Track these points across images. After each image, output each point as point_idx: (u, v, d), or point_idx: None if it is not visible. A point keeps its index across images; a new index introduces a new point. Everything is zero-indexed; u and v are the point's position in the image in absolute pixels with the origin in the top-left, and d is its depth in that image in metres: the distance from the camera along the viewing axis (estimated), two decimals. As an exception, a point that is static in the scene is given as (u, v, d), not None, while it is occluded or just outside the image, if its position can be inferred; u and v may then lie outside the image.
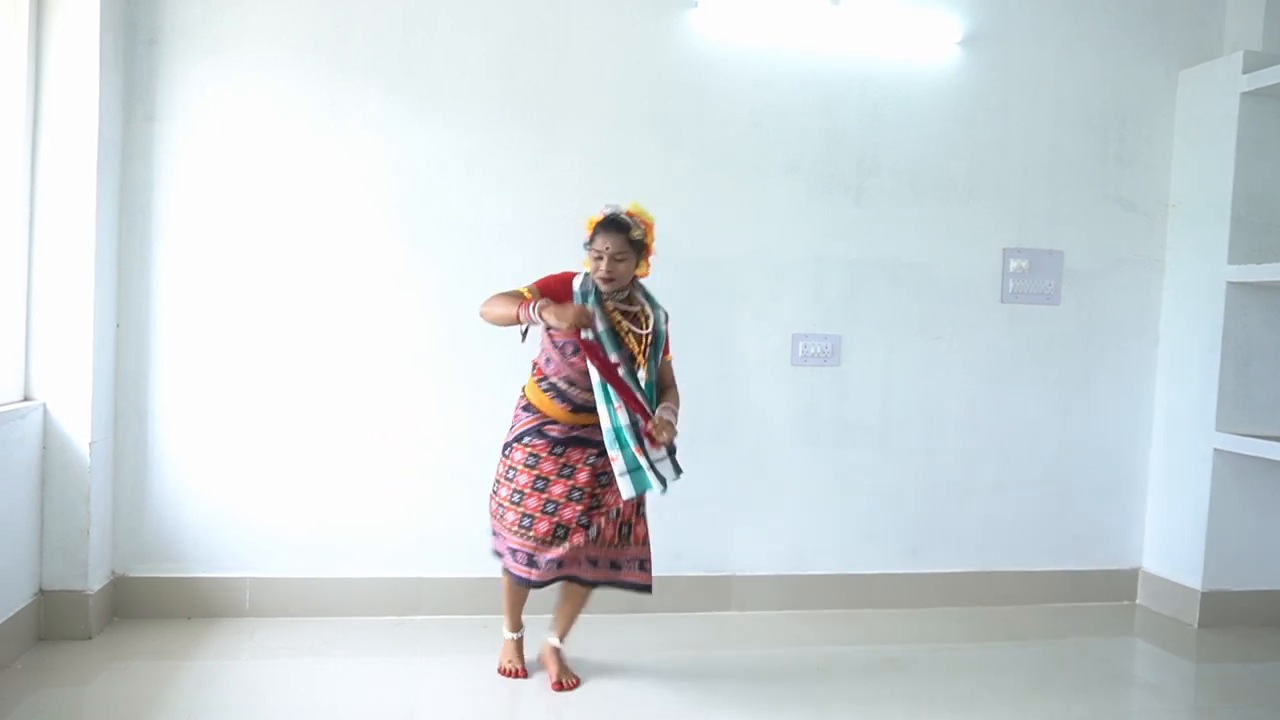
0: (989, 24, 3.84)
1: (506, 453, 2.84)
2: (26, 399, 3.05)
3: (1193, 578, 3.85)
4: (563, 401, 2.77)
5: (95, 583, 3.17)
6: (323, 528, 3.45)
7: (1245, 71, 3.70)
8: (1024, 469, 4.00)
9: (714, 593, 3.71)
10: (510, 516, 2.77)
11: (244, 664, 3.02)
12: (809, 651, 3.37)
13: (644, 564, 2.85)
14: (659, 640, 3.38)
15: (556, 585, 2.87)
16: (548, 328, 2.67)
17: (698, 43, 3.61)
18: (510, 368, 3.50)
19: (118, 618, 3.32)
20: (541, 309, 2.57)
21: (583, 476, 2.76)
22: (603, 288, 2.72)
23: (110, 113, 3.15)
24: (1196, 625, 3.80)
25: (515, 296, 2.67)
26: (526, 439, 2.80)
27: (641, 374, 2.71)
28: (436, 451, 3.50)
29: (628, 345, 2.72)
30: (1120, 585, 4.11)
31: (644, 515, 2.88)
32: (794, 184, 3.71)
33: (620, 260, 2.69)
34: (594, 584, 2.84)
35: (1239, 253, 3.74)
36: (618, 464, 2.64)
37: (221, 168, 3.34)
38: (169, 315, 3.34)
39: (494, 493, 2.85)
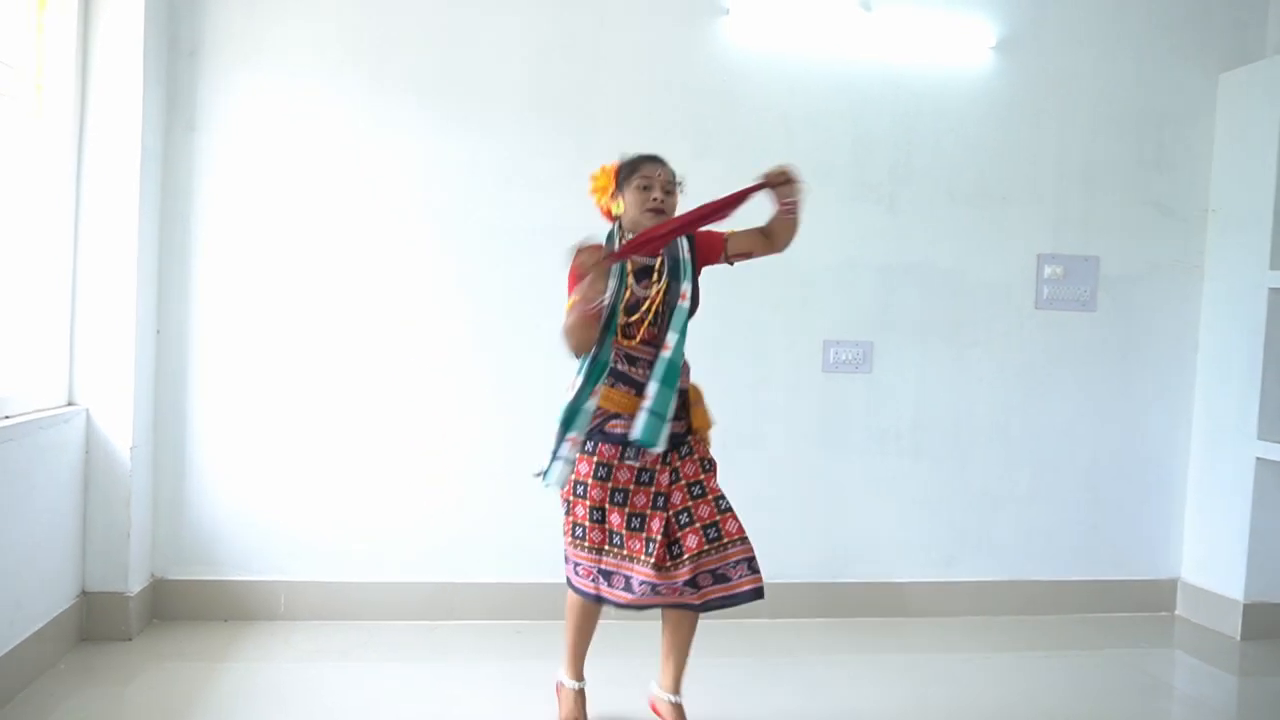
0: (1023, 28, 3.81)
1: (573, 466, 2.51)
2: (70, 404, 3.11)
3: (1234, 589, 3.78)
4: (625, 385, 2.43)
5: (135, 585, 3.22)
6: (356, 532, 3.49)
7: (1287, 74, 3.64)
8: (1059, 477, 3.95)
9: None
10: (583, 533, 2.44)
11: (279, 666, 3.06)
12: (842, 660, 3.35)
13: (752, 563, 2.41)
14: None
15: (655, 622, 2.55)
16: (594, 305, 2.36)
17: (729, 50, 3.62)
18: (547, 373, 3.53)
19: (157, 619, 3.37)
20: (573, 304, 2.33)
21: (664, 479, 2.43)
22: (650, 223, 2.41)
23: (153, 123, 3.22)
24: (1239, 637, 3.73)
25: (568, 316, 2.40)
26: (590, 446, 2.44)
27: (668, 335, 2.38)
28: (468, 456, 3.53)
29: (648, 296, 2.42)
30: (1159, 596, 4.04)
31: (730, 509, 2.46)
32: (825, 190, 3.69)
33: (670, 193, 2.45)
34: (703, 607, 2.41)
35: (1282, 258, 3.68)
36: (649, 400, 2.32)
37: (260, 176, 3.40)
38: (207, 322, 3.40)
39: (565, 515, 2.50)
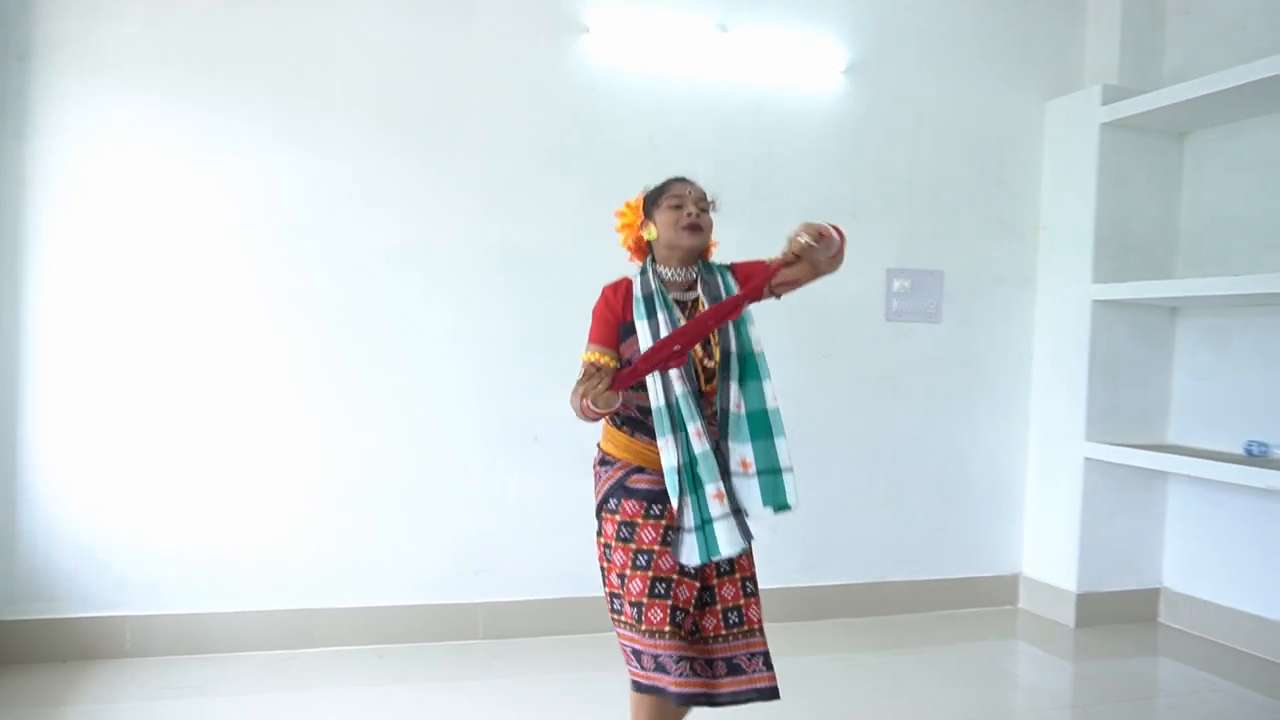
0: (871, 54, 4.00)
1: (598, 529, 2.20)
2: (-120, 434, 2.86)
3: (1068, 581, 4.06)
4: (647, 435, 2.14)
5: (-41, 628, 2.99)
6: (205, 561, 3.33)
7: (1104, 103, 3.95)
8: (911, 482, 4.15)
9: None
10: (625, 610, 2.09)
11: (126, 708, 2.89)
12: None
13: (767, 659, 2.13)
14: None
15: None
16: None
17: (591, 68, 3.66)
18: (392, 392, 3.48)
19: (-16, 664, 3.13)
20: (589, 405, 1.92)
21: None
22: (688, 242, 2.17)
23: (-26, 131, 3.00)
24: (1073, 625, 4.00)
25: (592, 372, 2.00)
26: (613, 503, 2.15)
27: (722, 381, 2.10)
28: (318, 478, 3.44)
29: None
30: (1003, 591, 4.29)
31: (755, 594, 2.19)
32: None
33: (704, 210, 2.20)
34: (731, 699, 2.08)
35: (1103, 272, 3.97)
36: (686, 517, 2.01)
37: (97, 188, 3.21)
38: (40, 342, 3.19)
39: (603, 583, 2.19)
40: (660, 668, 2.02)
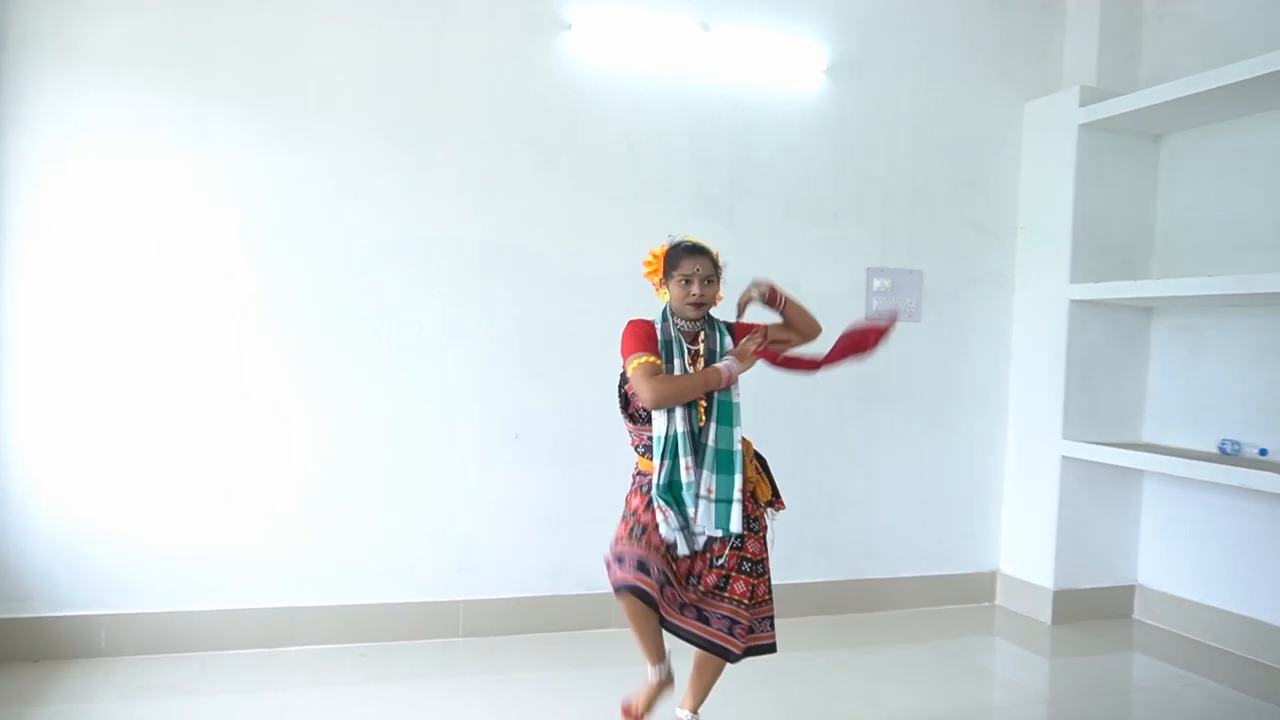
0: (852, 54, 4.02)
1: (624, 513, 2.60)
2: None
3: (1044, 577, 4.10)
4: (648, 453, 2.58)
5: (-70, 627, 2.95)
6: (184, 559, 3.31)
7: (1082, 105, 3.98)
8: (891, 479, 4.17)
9: (595, 611, 3.72)
10: (623, 530, 2.52)
11: (101, 708, 2.86)
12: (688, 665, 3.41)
13: (734, 627, 2.49)
14: (555, 658, 3.38)
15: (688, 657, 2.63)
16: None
17: (572, 65, 3.65)
18: (375, 390, 3.46)
19: (-44, 664, 3.09)
20: (736, 367, 2.50)
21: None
22: (693, 314, 2.57)
23: (-53, 124, 2.96)
24: (1050, 622, 4.04)
25: (654, 370, 2.45)
26: (633, 501, 2.59)
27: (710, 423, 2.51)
28: (299, 476, 3.41)
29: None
30: (980, 587, 4.33)
31: (755, 574, 2.55)
32: (667, 205, 3.78)
33: (710, 283, 2.56)
34: (672, 628, 2.49)
35: (1080, 272, 4.01)
36: (664, 526, 2.44)
37: (74, 186, 3.17)
38: (11, 341, 3.15)
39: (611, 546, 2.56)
40: (641, 568, 2.38)
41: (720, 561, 2.51)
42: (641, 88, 3.74)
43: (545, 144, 3.63)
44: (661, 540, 2.45)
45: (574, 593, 3.71)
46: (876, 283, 4.09)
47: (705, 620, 2.49)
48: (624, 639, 3.57)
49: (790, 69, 3.93)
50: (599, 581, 3.71)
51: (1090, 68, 4.17)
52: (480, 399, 3.58)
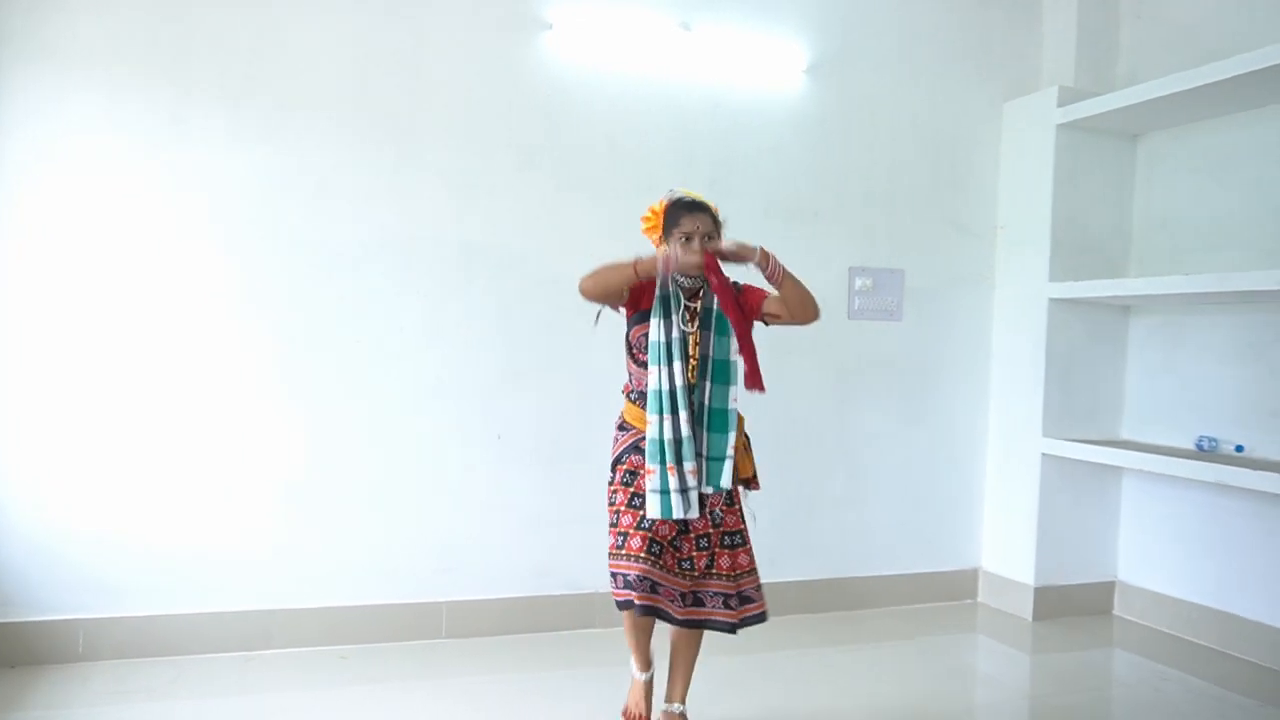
0: (832, 54, 4.03)
1: (611, 477, 2.61)
2: None
3: (1025, 574, 4.12)
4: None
5: (-97, 633, 2.91)
6: (163, 562, 3.28)
7: (1060, 105, 4.01)
8: (873, 478, 4.19)
9: (580, 611, 3.71)
10: (612, 540, 2.53)
11: (78, 713, 2.83)
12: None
13: (728, 600, 2.56)
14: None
15: (666, 641, 2.69)
16: (640, 321, 2.52)
17: (553, 65, 3.65)
18: (354, 389, 3.45)
19: (-70, 670, 3.05)
20: (661, 257, 2.43)
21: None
22: (693, 272, 2.51)
23: (-81, 123, 2.92)
24: (1031, 619, 4.07)
25: (619, 265, 2.47)
26: (625, 456, 2.58)
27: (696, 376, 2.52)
28: (277, 476, 3.39)
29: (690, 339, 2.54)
30: (963, 585, 4.35)
31: (735, 546, 2.60)
32: (648, 205, 3.76)
33: (710, 240, 2.51)
34: (683, 623, 2.55)
35: (1059, 271, 4.04)
36: (651, 479, 2.45)
37: (49, 186, 3.14)
38: (-12, 341, 3.12)
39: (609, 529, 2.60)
40: (629, 585, 2.43)
41: (704, 543, 2.56)
42: (622, 88, 3.74)
43: (526, 144, 3.62)
44: (656, 528, 2.47)
45: (558, 593, 3.70)
46: (858, 282, 4.11)
47: (700, 603, 2.55)
48: (609, 639, 3.58)
49: (770, 69, 3.94)
50: (584, 581, 3.72)
51: (1068, 68, 4.20)
52: (462, 400, 3.57)
